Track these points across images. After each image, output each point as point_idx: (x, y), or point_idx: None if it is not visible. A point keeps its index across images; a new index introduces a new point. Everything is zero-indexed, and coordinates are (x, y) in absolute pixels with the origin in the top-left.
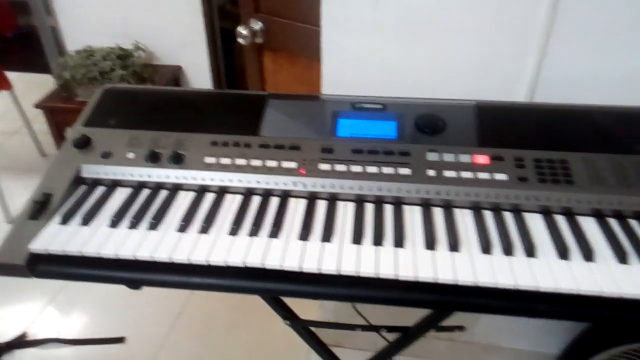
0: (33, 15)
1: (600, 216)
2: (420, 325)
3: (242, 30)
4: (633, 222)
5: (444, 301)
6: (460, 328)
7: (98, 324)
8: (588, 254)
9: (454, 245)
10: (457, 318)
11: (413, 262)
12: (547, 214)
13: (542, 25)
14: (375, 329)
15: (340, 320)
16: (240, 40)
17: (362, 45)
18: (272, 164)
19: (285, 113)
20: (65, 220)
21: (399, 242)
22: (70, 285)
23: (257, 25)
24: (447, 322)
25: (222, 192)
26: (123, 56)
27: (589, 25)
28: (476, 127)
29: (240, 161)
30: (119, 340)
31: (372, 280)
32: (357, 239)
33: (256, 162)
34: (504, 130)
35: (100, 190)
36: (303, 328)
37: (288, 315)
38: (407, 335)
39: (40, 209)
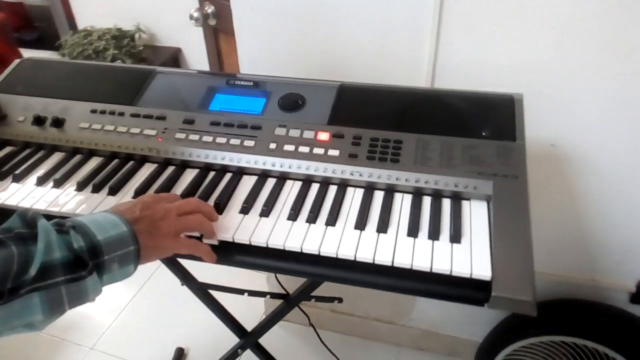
0: None
1: (419, 194)
2: (298, 293)
3: (193, 13)
4: (446, 201)
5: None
6: (339, 300)
7: None
8: (382, 226)
9: (264, 212)
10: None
11: (218, 225)
12: (370, 189)
13: (432, 13)
14: (262, 294)
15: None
16: (192, 22)
17: (270, 28)
18: (135, 130)
19: (168, 87)
20: None
21: (216, 208)
22: None
23: (210, 8)
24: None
25: (90, 154)
26: (119, 37)
27: (474, 15)
28: (332, 106)
29: (109, 127)
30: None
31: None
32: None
33: (122, 129)
34: (355, 110)
35: None
36: (198, 289)
37: (184, 276)
38: (288, 301)
39: None
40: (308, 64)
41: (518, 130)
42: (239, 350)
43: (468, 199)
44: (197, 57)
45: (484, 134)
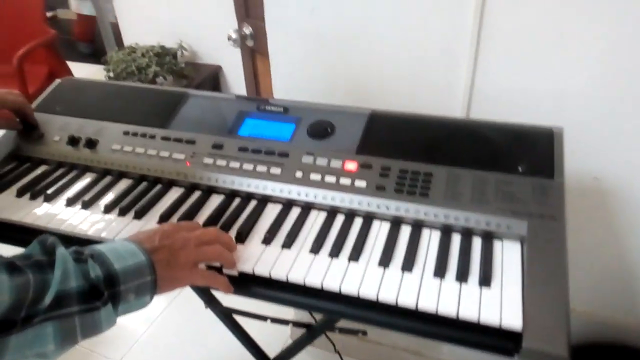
0: (97, 14)
1: (448, 231)
2: (322, 323)
3: (231, 34)
4: (476, 240)
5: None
6: (363, 332)
7: None
8: (407, 265)
9: (286, 243)
10: None
11: (239, 255)
12: (396, 224)
13: (469, 40)
14: (285, 322)
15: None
16: (230, 43)
17: (304, 52)
18: (164, 154)
19: (200, 110)
20: None
21: (238, 237)
22: None
23: (247, 29)
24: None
25: (120, 176)
26: (162, 54)
27: (514, 42)
28: (361, 134)
29: (140, 150)
30: None
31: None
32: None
33: (152, 152)
34: (385, 140)
35: (26, 166)
36: (222, 313)
37: (209, 300)
38: (311, 331)
39: None
40: (341, 89)
41: (557, 166)
42: None
43: (500, 239)
44: (236, 76)
45: (520, 169)
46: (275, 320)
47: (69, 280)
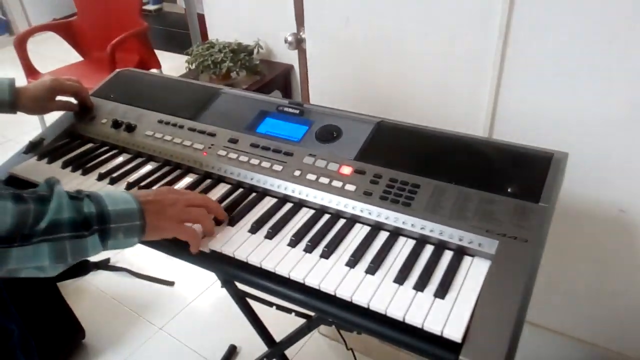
0: (185, 8)
1: (422, 242)
2: (318, 316)
3: (288, 37)
4: (447, 254)
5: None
6: (358, 332)
7: (156, 267)
8: (372, 268)
9: (269, 234)
10: None
11: (226, 238)
12: (376, 229)
13: (493, 59)
14: (288, 310)
15: None
16: (286, 45)
17: (338, 58)
18: (187, 143)
19: (227, 106)
20: (40, 157)
21: (232, 219)
22: None
23: (304, 34)
24: None
25: (149, 159)
26: (237, 51)
27: (541, 62)
28: (364, 142)
29: (167, 137)
30: (170, 283)
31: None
32: None
33: (177, 140)
34: (385, 149)
35: (76, 142)
36: (236, 294)
37: (225, 280)
38: (310, 322)
39: (32, 147)
40: (369, 98)
41: (546, 191)
42: (264, 359)
43: (472, 256)
44: None
45: (509, 190)
46: (280, 308)
47: (62, 212)
